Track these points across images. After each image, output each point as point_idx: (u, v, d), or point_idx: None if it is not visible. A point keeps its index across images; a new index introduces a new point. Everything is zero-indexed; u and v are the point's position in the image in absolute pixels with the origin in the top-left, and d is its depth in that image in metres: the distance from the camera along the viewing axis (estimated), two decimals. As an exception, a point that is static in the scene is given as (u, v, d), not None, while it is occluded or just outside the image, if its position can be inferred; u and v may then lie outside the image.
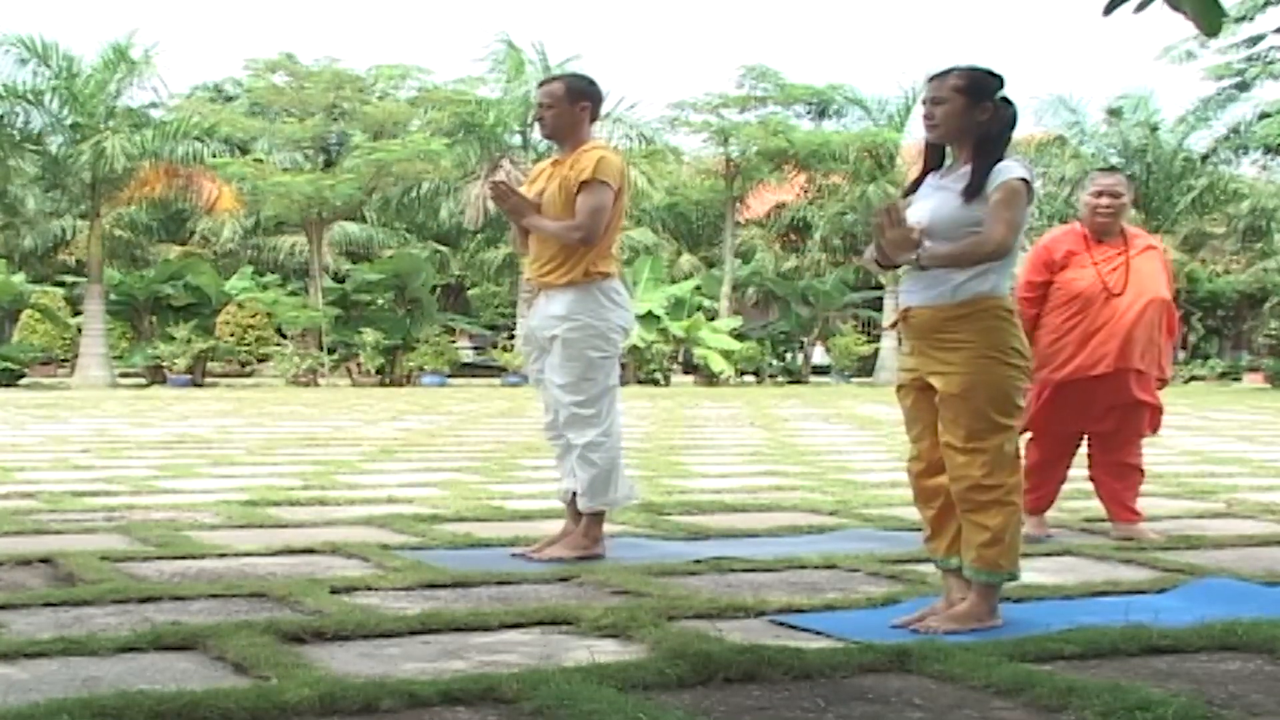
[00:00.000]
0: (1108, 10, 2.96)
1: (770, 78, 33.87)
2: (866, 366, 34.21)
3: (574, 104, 5.65)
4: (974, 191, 4.21)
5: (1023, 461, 4.41)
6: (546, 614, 4.30)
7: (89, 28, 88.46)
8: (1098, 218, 6.35)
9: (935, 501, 4.37)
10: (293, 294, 32.49)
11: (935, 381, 4.25)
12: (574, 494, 5.72)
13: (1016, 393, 4.26)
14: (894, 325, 4.48)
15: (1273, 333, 35.08)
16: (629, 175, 5.63)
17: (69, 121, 28.76)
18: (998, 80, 4.30)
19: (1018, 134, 4.45)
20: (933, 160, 4.39)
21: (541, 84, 5.83)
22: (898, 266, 4.30)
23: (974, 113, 4.24)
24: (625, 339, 5.83)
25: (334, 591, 4.68)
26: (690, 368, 32.69)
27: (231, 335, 30.62)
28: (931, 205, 4.28)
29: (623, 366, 29.71)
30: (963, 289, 4.21)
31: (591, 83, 5.78)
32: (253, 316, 30.86)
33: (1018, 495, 4.28)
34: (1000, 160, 4.23)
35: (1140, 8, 2.91)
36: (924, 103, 4.35)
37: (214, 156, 30.38)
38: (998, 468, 4.22)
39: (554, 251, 5.63)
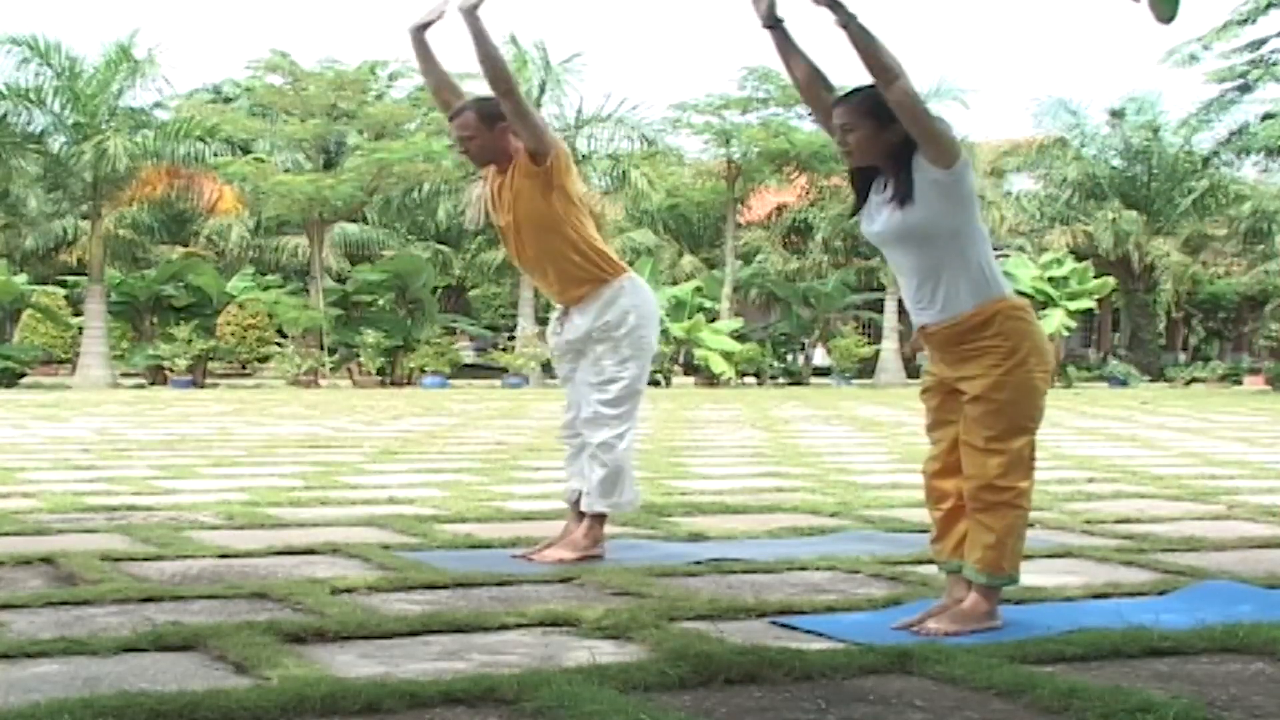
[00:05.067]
0: None
1: (772, 79, 33.80)
2: (867, 368, 34.21)
3: (492, 128, 5.50)
4: (905, 196, 4.21)
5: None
6: (547, 615, 4.30)
7: (89, 28, 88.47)
8: None
9: (944, 504, 4.39)
10: (294, 294, 32.49)
11: (962, 386, 4.27)
12: (579, 495, 5.73)
13: (1040, 394, 4.28)
14: (914, 344, 4.50)
15: (1273, 335, 35.09)
16: (575, 169, 5.60)
17: (71, 121, 28.75)
18: None
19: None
20: (862, 182, 4.38)
21: (451, 117, 5.67)
22: (777, 24, 4.36)
23: (886, 134, 4.21)
24: (656, 332, 5.80)
25: (335, 592, 4.68)
26: (691, 369, 32.69)
27: (232, 336, 30.62)
28: (880, 224, 4.30)
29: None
30: (971, 301, 4.21)
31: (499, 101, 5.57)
32: (254, 317, 30.86)
33: (1027, 500, 4.29)
34: None
35: None
36: (837, 129, 4.32)
37: (215, 157, 30.39)
38: (1013, 469, 4.23)
39: (561, 275, 5.63)
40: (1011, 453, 4.22)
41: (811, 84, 4.47)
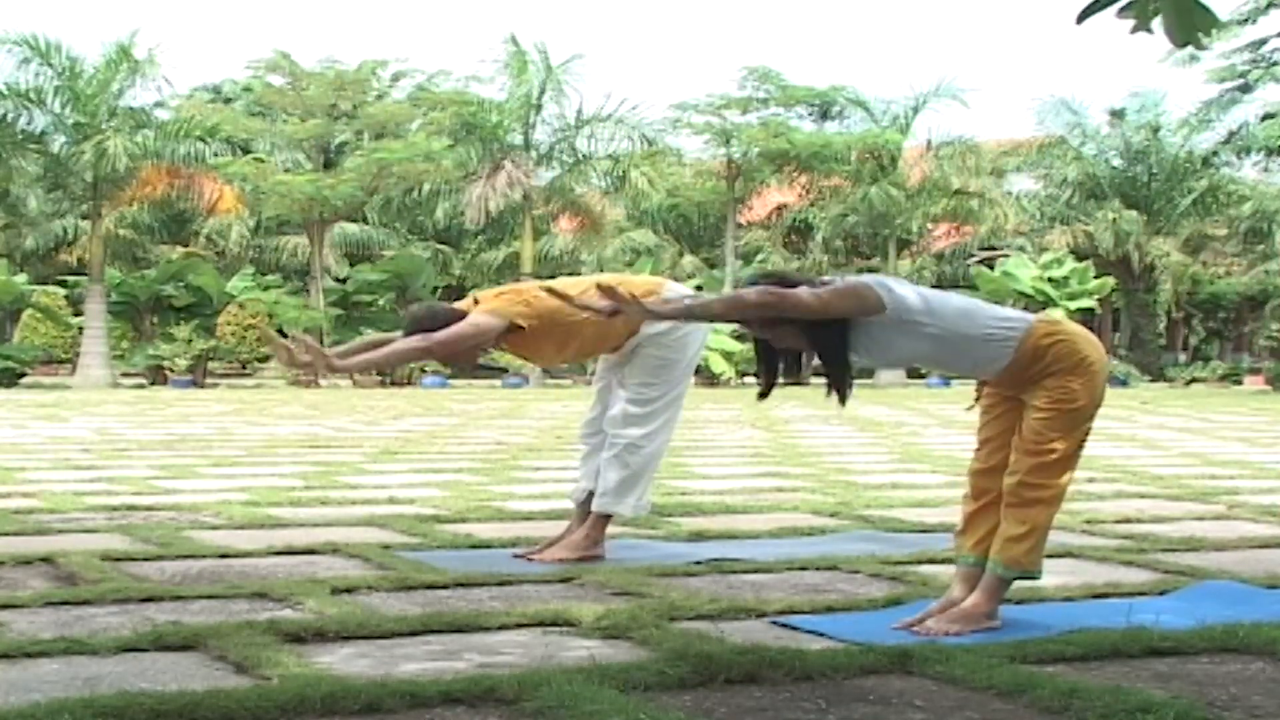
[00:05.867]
0: (1081, 18, 2.97)
1: (772, 79, 33.87)
2: (867, 368, 34.22)
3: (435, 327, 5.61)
4: (842, 390, 4.35)
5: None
6: (547, 615, 4.30)
7: (89, 28, 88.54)
8: None
9: (981, 499, 4.42)
10: (294, 294, 32.50)
11: (1027, 399, 4.31)
12: (588, 494, 5.72)
13: (1100, 395, 4.32)
14: (979, 395, 4.52)
15: (1274, 335, 35.08)
16: (541, 304, 5.57)
17: (71, 121, 28.76)
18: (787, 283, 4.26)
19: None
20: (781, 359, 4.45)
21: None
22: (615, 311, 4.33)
23: (807, 323, 4.21)
24: (702, 336, 5.80)
25: (335, 592, 4.68)
26: (691, 369, 32.68)
27: (233, 336, 30.62)
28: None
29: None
30: (1004, 354, 4.23)
31: (417, 318, 5.70)
32: (254, 317, 30.87)
33: (1060, 498, 4.34)
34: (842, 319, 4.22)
35: (1092, 10, 2.91)
36: (760, 340, 4.38)
37: (215, 157, 30.40)
38: (1055, 466, 4.27)
39: (621, 338, 5.64)
40: (1059, 451, 4.27)
41: (722, 317, 4.49)
